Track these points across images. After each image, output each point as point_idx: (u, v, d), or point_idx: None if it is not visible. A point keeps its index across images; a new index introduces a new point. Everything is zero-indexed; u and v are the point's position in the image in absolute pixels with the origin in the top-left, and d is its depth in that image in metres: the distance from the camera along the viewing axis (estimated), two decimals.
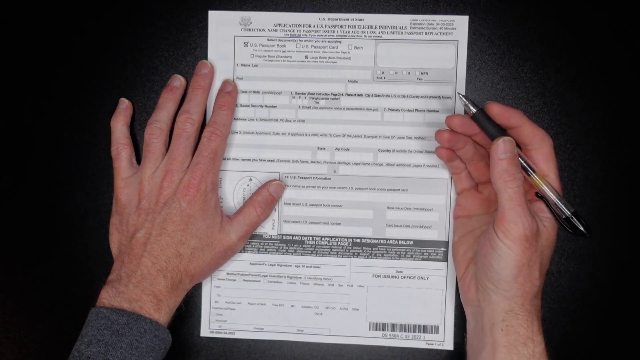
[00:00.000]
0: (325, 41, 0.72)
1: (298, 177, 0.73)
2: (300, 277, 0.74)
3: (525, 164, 0.63)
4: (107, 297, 0.65)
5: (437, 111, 0.72)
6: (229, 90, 0.72)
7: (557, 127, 0.72)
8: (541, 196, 0.63)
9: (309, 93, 0.72)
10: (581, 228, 0.63)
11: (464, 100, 0.64)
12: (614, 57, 0.71)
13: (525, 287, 0.61)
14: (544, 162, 0.63)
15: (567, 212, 0.63)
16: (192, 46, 0.73)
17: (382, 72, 0.72)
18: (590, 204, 0.72)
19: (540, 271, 0.62)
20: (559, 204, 0.63)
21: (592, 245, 0.72)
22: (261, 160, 0.73)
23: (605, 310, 0.72)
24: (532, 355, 0.61)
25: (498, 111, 0.63)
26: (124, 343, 0.62)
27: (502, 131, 0.63)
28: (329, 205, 0.73)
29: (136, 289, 0.64)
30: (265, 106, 0.73)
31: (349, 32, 0.72)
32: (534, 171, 0.63)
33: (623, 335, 0.72)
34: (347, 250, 0.73)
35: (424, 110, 0.72)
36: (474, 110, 0.63)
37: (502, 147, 0.60)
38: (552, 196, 0.63)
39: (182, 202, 0.66)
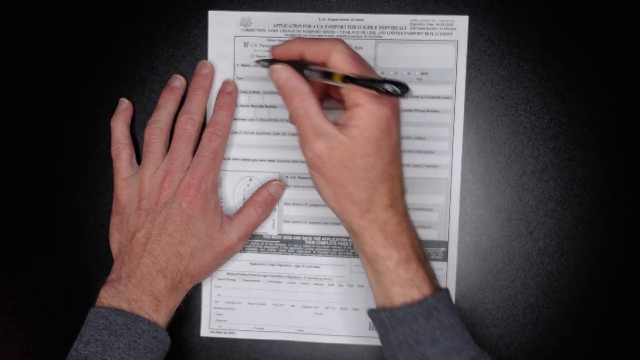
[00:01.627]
0: None
1: (298, 177, 0.73)
2: (300, 277, 0.74)
3: (318, 73, 0.60)
4: (107, 296, 0.65)
5: (437, 111, 0.71)
6: (230, 91, 0.72)
7: (557, 127, 0.72)
8: (349, 79, 0.58)
9: None
10: (395, 88, 0.56)
11: (262, 62, 0.65)
12: (614, 57, 0.71)
13: (344, 206, 0.61)
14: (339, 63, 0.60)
15: (379, 78, 0.58)
16: (192, 46, 0.73)
17: (382, 72, 0.72)
18: (590, 204, 0.72)
19: (358, 184, 0.60)
20: (364, 77, 0.58)
21: (592, 245, 0.72)
22: (261, 160, 0.73)
23: (605, 310, 0.72)
24: (387, 269, 0.61)
25: (280, 52, 0.63)
26: (121, 344, 0.62)
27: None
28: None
29: (136, 289, 0.65)
30: (265, 106, 0.73)
31: (348, 32, 0.72)
32: (328, 74, 0.60)
33: (623, 335, 0.72)
34: (347, 250, 0.73)
35: (424, 111, 0.72)
36: (267, 64, 0.64)
37: (273, 75, 0.62)
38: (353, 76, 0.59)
39: (183, 202, 0.66)
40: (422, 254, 0.63)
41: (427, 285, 0.61)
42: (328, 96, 0.67)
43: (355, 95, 0.58)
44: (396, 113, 0.60)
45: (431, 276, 0.62)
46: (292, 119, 0.62)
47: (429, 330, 0.59)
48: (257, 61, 0.66)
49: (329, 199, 0.62)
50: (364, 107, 0.58)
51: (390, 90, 0.55)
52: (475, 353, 0.60)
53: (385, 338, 0.62)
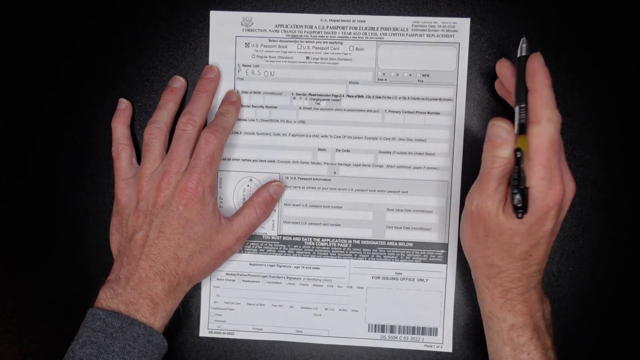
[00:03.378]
0: (327, 42, 0.72)
1: (298, 178, 0.73)
2: (300, 278, 0.74)
3: (520, 124, 0.61)
4: (105, 298, 0.65)
5: (438, 113, 0.71)
6: (233, 100, 0.72)
7: None
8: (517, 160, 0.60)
9: (309, 94, 0.72)
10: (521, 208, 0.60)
11: (525, 43, 0.64)
12: (614, 57, 0.71)
13: (478, 262, 0.65)
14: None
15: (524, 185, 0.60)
16: (192, 46, 0.73)
17: (384, 74, 0.72)
18: (590, 204, 0.72)
19: (497, 253, 0.63)
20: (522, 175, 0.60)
21: (592, 245, 0.72)
22: (261, 161, 0.73)
23: (605, 310, 0.72)
24: (501, 329, 0.64)
25: (531, 68, 0.62)
26: (116, 347, 0.62)
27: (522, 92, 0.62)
28: (328, 207, 0.73)
29: (133, 292, 0.65)
30: (266, 107, 0.73)
31: (350, 33, 0.72)
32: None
33: (623, 335, 0.72)
34: (347, 252, 0.73)
35: (425, 112, 0.72)
36: (522, 54, 0.63)
37: (489, 129, 0.62)
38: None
39: (180, 205, 0.66)
40: (543, 326, 0.64)
41: (540, 355, 0.63)
42: None
43: (529, 174, 0.59)
44: (560, 205, 0.61)
45: (548, 348, 0.64)
46: (484, 164, 0.63)
47: None
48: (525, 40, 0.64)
49: (468, 248, 0.66)
50: (529, 191, 0.60)
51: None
52: None
53: None
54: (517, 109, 0.61)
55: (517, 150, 0.60)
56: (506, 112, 0.71)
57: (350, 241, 0.73)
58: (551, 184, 0.59)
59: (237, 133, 0.73)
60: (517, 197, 0.59)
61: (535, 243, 0.62)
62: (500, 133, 0.61)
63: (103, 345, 0.62)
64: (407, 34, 0.71)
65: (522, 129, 0.60)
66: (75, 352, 0.62)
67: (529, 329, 0.63)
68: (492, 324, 0.65)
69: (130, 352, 0.62)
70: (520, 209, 0.59)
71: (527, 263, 0.63)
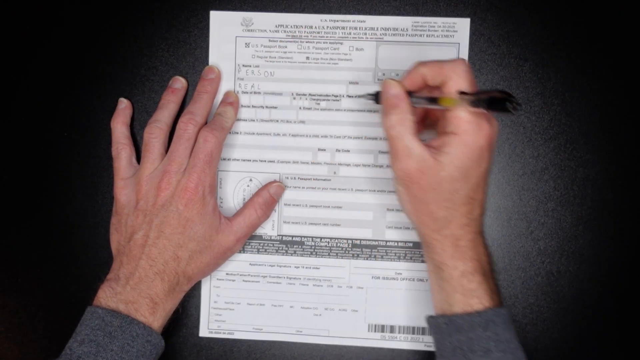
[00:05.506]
0: (327, 42, 0.72)
1: (298, 178, 0.73)
2: (300, 278, 0.74)
3: (424, 99, 0.62)
4: (104, 296, 0.65)
5: None
6: (232, 101, 0.72)
7: (557, 127, 0.72)
8: (463, 93, 0.59)
9: (309, 94, 0.72)
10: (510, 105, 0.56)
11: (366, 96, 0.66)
12: (614, 57, 0.71)
13: (423, 220, 0.64)
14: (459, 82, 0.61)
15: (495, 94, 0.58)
16: (192, 46, 0.73)
17: (384, 74, 0.72)
18: (590, 204, 0.72)
19: (440, 204, 0.62)
20: (480, 91, 0.59)
21: (592, 245, 0.72)
22: (261, 161, 0.73)
23: (605, 310, 0.72)
24: (451, 277, 0.63)
25: (407, 83, 0.64)
26: (115, 346, 0.62)
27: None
28: (329, 207, 0.73)
29: (133, 291, 0.65)
30: (266, 107, 0.73)
31: (350, 33, 0.72)
32: (434, 99, 0.62)
33: (623, 336, 0.72)
34: (347, 252, 0.73)
35: None
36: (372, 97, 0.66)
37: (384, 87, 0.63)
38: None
39: (179, 205, 0.66)
40: (489, 270, 0.64)
41: (488, 299, 0.62)
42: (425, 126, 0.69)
43: (455, 122, 0.60)
44: (491, 144, 0.61)
45: (494, 292, 0.64)
46: (386, 133, 0.63)
47: (484, 340, 0.61)
48: (361, 95, 0.66)
49: (409, 212, 0.65)
50: (460, 136, 0.60)
51: (510, 108, 0.55)
52: None
53: (440, 344, 0.64)
54: (413, 99, 0.63)
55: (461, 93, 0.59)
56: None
57: (350, 241, 0.73)
58: (480, 125, 0.59)
59: (237, 133, 0.73)
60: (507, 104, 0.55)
61: (475, 186, 0.62)
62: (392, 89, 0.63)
63: (102, 344, 0.62)
64: (407, 34, 0.71)
65: (432, 99, 0.62)
66: (73, 349, 0.62)
67: (478, 274, 0.62)
68: (442, 273, 0.64)
69: (129, 351, 0.62)
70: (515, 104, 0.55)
71: (471, 207, 0.62)
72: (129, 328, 0.63)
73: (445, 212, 0.62)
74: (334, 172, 0.73)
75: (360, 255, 0.73)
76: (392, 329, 0.73)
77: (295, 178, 0.73)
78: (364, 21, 0.72)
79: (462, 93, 0.59)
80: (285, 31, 0.72)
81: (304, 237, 0.74)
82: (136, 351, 0.63)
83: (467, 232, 0.63)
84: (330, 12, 0.72)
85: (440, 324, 0.63)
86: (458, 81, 0.60)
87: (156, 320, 0.65)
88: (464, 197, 0.62)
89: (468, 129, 0.59)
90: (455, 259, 0.63)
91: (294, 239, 0.74)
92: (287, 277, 0.74)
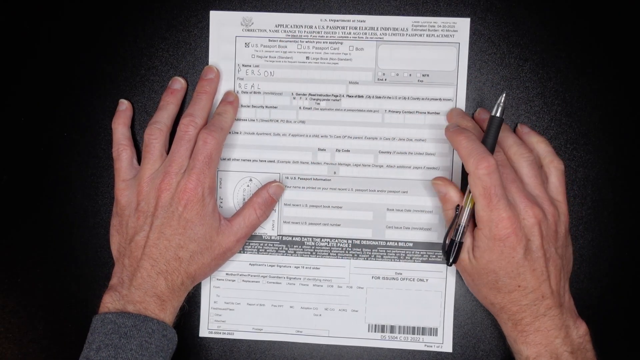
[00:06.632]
0: (327, 42, 0.72)
1: (298, 178, 0.73)
2: (300, 278, 0.74)
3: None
4: (111, 301, 0.65)
5: (438, 113, 0.71)
6: (231, 100, 0.72)
7: (557, 127, 0.72)
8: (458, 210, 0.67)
9: (309, 94, 0.72)
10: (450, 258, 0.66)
11: (501, 101, 0.65)
12: (614, 57, 0.71)
13: (483, 302, 0.68)
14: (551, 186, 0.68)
15: (457, 239, 0.66)
16: (192, 46, 0.73)
17: (384, 74, 0.72)
18: (590, 204, 0.72)
19: (489, 292, 0.66)
20: (460, 228, 0.66)
21: (592, 245, 0.72)
22: (261, 161, 0.73)
23: (605, 310, 0.72)
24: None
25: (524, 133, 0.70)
26: (133, 345, 0.62)
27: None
28: (328, 207, 0.73)
29: (138, 291, 0.65)
30: (266, 107, 0.73)
31: (350, 33, 0.72)
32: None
33: (623, 335, 0.72)
34: (347, 252, 0.73)
35: (425, 112, 0.72)
36: (496, 114, 0.65)
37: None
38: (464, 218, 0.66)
39: (179, 207, 0.66)
40: (565, 351, 0.64)
41: None
42: None
43: (476, 217, 0.65)
44: (515, 234, 0.62)
45: None
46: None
47: None
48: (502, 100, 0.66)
49: (474, 294, 0.70)
50: (482, 230, 0.64)
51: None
52: None
53: None
54: None
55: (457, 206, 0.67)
56: (506, 111, 0.71)
57: (350, 241, 0.73)
58: (492, 219, 0.62)
59: (237, 133, 0.73)
60: (447, 245, 0.66)
61: (515, 274, 0.63)
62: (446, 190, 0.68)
63: (119, 346, 0.61)
64: (407, 34, 0.71)
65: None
66: (90, 358, 0.62)
67: (544, 358, 0.64)
68: (515, 357, 0.67)
69: (148, 347, 0.62)
70: (447, 259, 0.66)
71: (520, 294, 0.64)
72: (143, 326, 0.63)
73: (495, 299, 0.66)
74: (334, 172, 0.73)
75: (360, 255, 0.73)
76: (392, 329, 0.73)
77: (295, 178, 0.73)
78: (364, 21, 0.72)
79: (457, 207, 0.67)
80: (285, 31, 0.72)
81: (304, 237, 0.74)
82: (155, 347, 0.63)
83: (523, 317, 0.64)
84: (330, 12, 0.72)
85: None
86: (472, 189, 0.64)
87: (167, 316, 0.65)
88: (507, 286, 0.64)
89: (484, 225, 0.63)
90: (518, 344, 0.65)
91: (294, 239, 0.74)
92: (287, 277, 0.74)
